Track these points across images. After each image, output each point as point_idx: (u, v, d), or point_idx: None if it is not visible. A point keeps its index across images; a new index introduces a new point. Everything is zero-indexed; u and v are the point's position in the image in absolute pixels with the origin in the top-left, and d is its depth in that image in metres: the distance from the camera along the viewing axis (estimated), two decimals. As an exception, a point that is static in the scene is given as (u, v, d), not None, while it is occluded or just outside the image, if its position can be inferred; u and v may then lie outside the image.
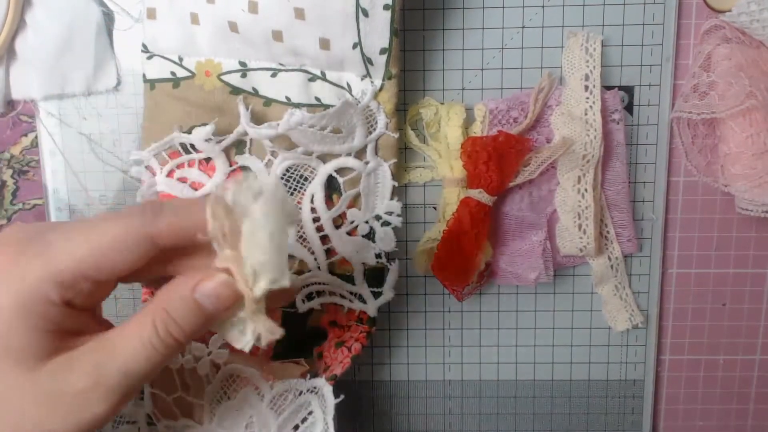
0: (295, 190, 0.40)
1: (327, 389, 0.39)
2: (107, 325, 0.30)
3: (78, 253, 0.26)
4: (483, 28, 0.41)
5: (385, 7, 0.36)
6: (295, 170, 0.40)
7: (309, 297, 0.42)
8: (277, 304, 0.31)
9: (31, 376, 0.26)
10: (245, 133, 0.39)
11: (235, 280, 0.27)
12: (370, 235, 0.41)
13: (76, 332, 0.28)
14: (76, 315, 0.27)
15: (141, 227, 0.27)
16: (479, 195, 0.40)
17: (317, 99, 0.39)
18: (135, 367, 0.27)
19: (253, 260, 0.26)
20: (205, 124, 0.39)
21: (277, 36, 0.37)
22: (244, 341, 0.29)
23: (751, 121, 0.39)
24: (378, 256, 0.41)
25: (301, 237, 0.41)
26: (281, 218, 0.26)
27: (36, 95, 0.42)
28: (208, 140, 0.39)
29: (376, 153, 0.40)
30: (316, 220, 0.40)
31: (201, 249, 0.28)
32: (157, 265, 0.28)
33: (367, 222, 0.41)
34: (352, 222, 0.41)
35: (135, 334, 0.27)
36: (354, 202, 0.41)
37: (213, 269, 0.27)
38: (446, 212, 0.41)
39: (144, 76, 0.40)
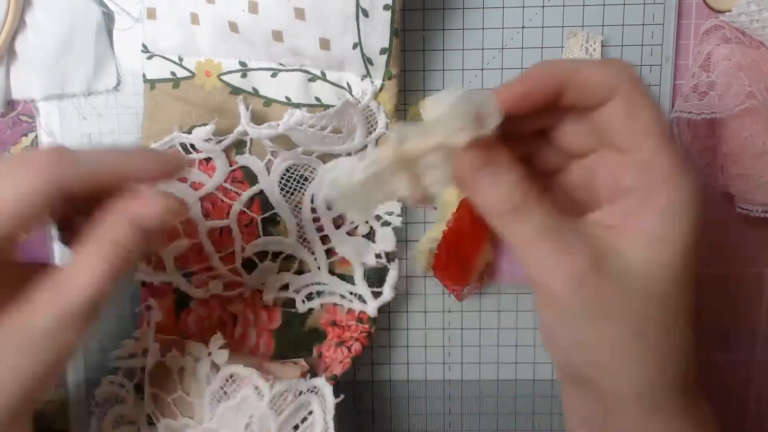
0: (295, 190, 0.40)
1: (327, 389, 0.39)
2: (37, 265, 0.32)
3: None
4: (483, 28, 0.41)
5: (385, 7, 0.36)
6: (295, 170, 0.40)
7: (309, 297, 0.42)
8: None
9: None
10: (245, 133, 0.39)
11: None
12: (370, 235, 0.41)
13: (13, 283, 0.29)
14: (5, 269, 0.29)
15: (52, 181, 0.27)
16: (479, 195, 0.40)
17: (317, 99, 0.39)
18: (93, 293, 0.28)
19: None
20: (205, 124, 0.39)
21: (277, 36, 0.37)
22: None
23: (750, 122, 0.39)
24: (378, 256, 0.41)
25: (301, 237, 0.41)
26: None
27: (36, 95, 0.42)
28: (208, 140, 0.39)
29: (376, 153, 0.40)
30: (316, 220, 0.40)
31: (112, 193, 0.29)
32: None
33: (367, 222, 0.41)
34: (353, 222, 0.41)
35: (86, 268, 0.28)
36: (354, 202, 0.41)
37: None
38: (446, 212, 0.41)
39: (144, 76, 0.40)
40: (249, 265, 0.41)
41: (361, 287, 0.41)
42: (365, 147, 0.40)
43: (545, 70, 0.27)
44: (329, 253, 0.41)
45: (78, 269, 0.29)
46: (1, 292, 0.29)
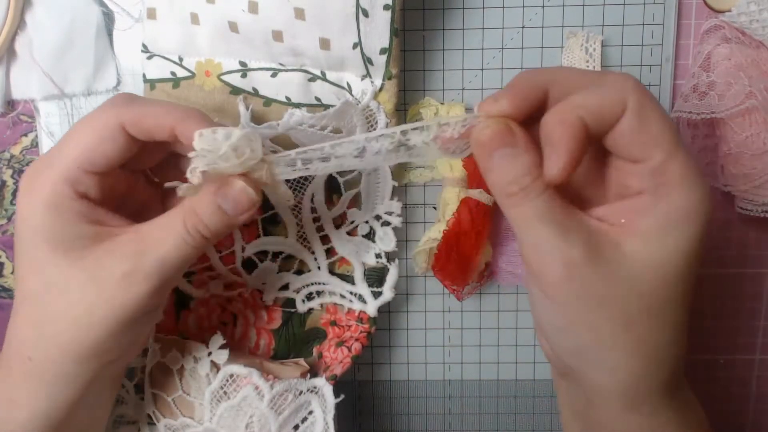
0: (295, 190, 0.40)
1: (327, 389, 0.39)
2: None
3: (72, 152, 0.30)
4: (483, 28, 0.41)
5: (385, 7, 0.36)
6: (295, 170, 0.40)
7: (309, 297, 0.42)
8: None
9: (81, 264, 0.30)
10: (245, 133, 0.39)
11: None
12: (370, 235, 0.41)
13: (111, 226, 0.31)
14: (98, 208, 0.31)
15: (113, 116, 0.31)
16: (479, 195, 0.40)
17: (317, 99, 0.39)
18: (168, 256, 0.30)
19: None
20: (205, 124, 0.39)
21: (277, 36, 0.37)
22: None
23: (750, 121, 0.39)
24: (378, 256, 0.41)
25: (301, 237, 0.41)
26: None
27: (36, 95, 0.42)
28: (208, 140, 0.39)
29: (376, 153, 0.40)
30: (316, 219, 0.40)
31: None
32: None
33: (367, 222, 0.41)
34: (353, 222, 0.41)
35: (167, 227, 0.31)
36: (354, 202, 0.41)
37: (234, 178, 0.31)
38: (446, 212, 0.41)
39: (144, 76, 0.40)
40: (249, 265, 0.41)
41: (361, 287, 0.41)
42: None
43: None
44: (329, 253, 0.41)
45: (158, 226, 0.31)
46: (103, 230, 0.31)
